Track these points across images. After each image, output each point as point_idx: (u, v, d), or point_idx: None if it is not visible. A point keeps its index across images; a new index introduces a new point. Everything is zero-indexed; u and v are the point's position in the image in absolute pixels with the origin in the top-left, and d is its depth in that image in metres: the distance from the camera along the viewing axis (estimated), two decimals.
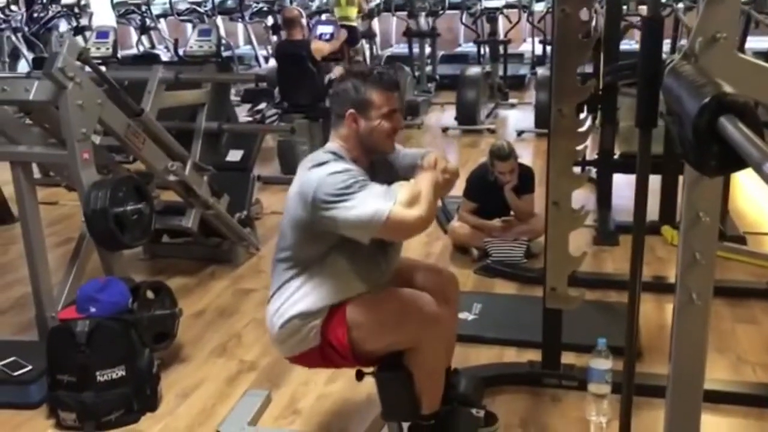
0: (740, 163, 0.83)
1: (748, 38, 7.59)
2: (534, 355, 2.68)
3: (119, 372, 2.46)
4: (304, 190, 1.92)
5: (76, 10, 9.62)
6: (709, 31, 1.37)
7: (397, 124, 2.03)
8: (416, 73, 8.43)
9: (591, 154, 4.56)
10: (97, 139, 2.97)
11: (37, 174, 4.22)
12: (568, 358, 2.65)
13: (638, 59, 1.49)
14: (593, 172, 4.44)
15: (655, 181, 3.83)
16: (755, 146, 0.75)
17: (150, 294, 2.76)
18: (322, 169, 1.91)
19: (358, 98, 1.98)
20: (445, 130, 7.11)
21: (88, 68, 2.83)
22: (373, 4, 9.30)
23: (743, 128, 0.84)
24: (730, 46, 1.38)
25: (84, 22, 9.37)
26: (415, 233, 1.95)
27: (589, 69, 4.54)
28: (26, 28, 9.18)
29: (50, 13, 9.42)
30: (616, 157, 4.25)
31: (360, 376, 2.21)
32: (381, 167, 2.10)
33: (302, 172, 1.98)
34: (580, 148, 2.35)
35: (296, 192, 1.96)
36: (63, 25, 9.60)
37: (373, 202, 1.82)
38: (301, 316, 2.00)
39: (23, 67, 8.49)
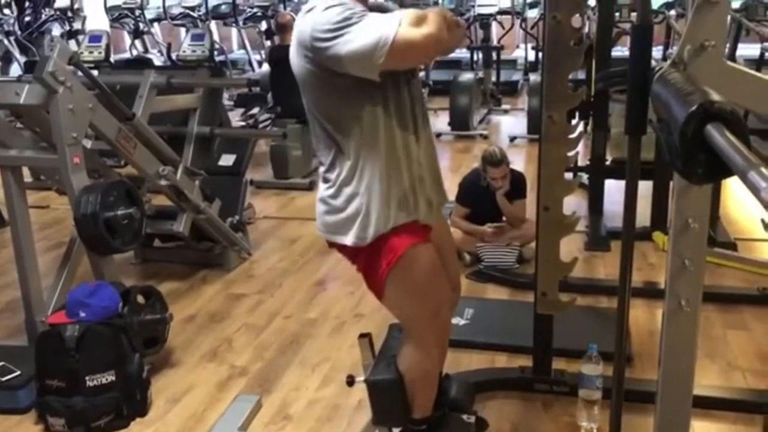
0: (726, 170, 0.83)
1: (739, 45, 7.65)
2: (525, 361, 2.68)
3: (109, 377, 2.45)
4: (301, 37, 1.77)
5: (69, 13, 9.60)
6: (698, 39, 1.39)
7: None
8: None
9: (583, 160, 4.58)
10: (88, 143, 2.97)
11: (27, 178, 4.20)
12: (559, 363, 2.65)
13: (628, 66, 1.49)
14: (585, 178, 4.45)
15: (647, 187, 3.84)
16: (740, 154, 0.76)
17: (140, 298, 2.75)
18: (315, 10, 1.77)
19: None
20: (438, 135, 7.11)
21: (79, 72, 2.83)
22: None
23: (729, 136, 0.85)
24: (719, 54, 1.39)
25: (77, 25, 9.36)
26: (425, 54, 1.84)
27: (581, 75, 4.57)
28: (19, 32, 9.16)
29: (43, 17, 9.40)
30: (607, 163, 4.27)
31: (351, 381, 2.21)
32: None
33: (298, 23, 1.83)
34: (571, 154, 2.36)
35: (296, 44, 1.82)
36: (56, 29, 9.58)
37: (377, 27, 1.67)
38: (366, 198, 1.85)
39: (15, 70, 8.46)
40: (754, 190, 0.65)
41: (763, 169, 0.68)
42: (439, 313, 2.02)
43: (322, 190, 1.94)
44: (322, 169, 1.94)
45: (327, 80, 1.78)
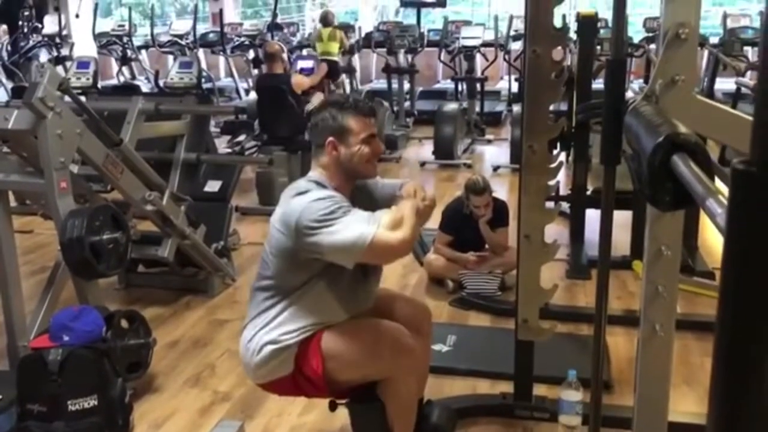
0: (690, 199, 0.88)
1: (717, 79, 7.83)
2: (507, 387, 2.70)
3: (91, 401, 2.44)
4: (287, 218, 1.94)
5: (57, 40, 9.65)
6: (669, 74, 1.45)
7: (376, 149, 2.08)
8: (395, 108, 8.55)
9: (564, 190, 4.66)
10: (75, 168, 2.98)
11: (12, 202, 4.20)
12: (540, 389, 2.68)
13: (603, 99, 1.55)
14: (566, 207, 4.52)
15: (627, 216, 3.91)
16: (701, 183, 0.81)
17: (124, 323, 2.76)
18: (306, 197, 1.95)
19: (336, 126, 2.03)
20: (422, 164, 7.19)
21: (67, 98, 2.86)
22: (353, 40, 9.45)
23: (693, 166, 0.90)
24: (689, 87, 1.46)
25: (65, 52, 9.41)
26: (398, 256, 2.01)
27: (563, 107, 4.66)
28: (6, 57, 9.19)
29: (31, 43, 9.44)
30: (588, 192, 4.34)
31: (333, 406, 2.22)
32: (361, 197, 2.13)
33: (285, 201, 2.01)
34: (551, 183, 2.41)
35: (279, 220, 1.98)
36: (43, 55, 9.62)
37: (357, 226, 1.86)
38: (275, 343, 2.01)
39: (2, 95, 8.47)
40: (711, 216, 0.70)
41: (721, 197, 0.72)
42: (396, 346, 2.04)
43: (253, 332, 2.07)
44: (248, 321, 2.11)
45: (298, 258, 1.97)
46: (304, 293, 2.01)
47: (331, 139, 2.03)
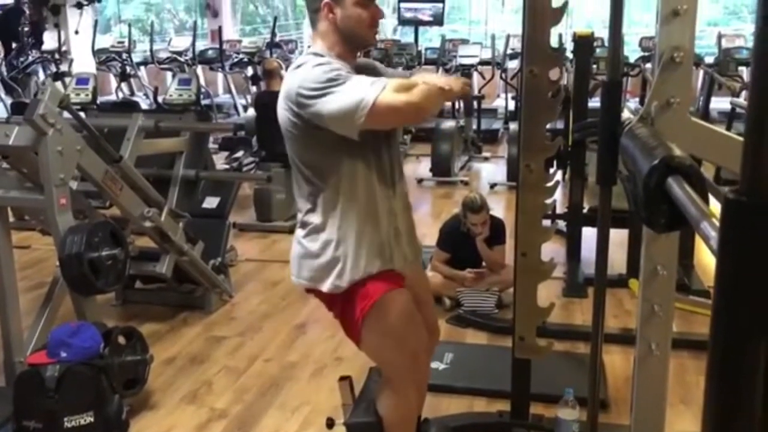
0: (685, 220, 0.90)
1: (713, 99, 7.89)
2: (504, 405, 2.70)
3: (88, 418, 2.44)
4: (288, 91, 1.85)
5: (57, 56, 9.70)
6: (664, 96, 1.47)
7: (375, 13, 1.95)
8: None
9: (561, 208, 4.68)
10: (74, 185, 3.00)
11: (10, 218, 4.20)
12: (537, 408, 2.68)
13: (598, 119, 1.57)
14: (563, 225, 4.54)
15: (623, 235, 3.93)
16: (695, 205, 0.82)
17: (122, 339, 2.76)
18: (304, 67, 1.86)
19: None
20: (420, 181, 7.21)
21: (67, 114, 2.88)
22: None
23: (687, 188, 0.91)
24: (684, 110, 1.48)
25: (64, 68, 9.45)
26: (405, 118, 1.92)
27: (560, 125, 4.70)
28: (5, 73, 9.22)
29: (30, 59, 9.48)
30: (585, 211, 4.36)
31: (331, 424, 2.23)
32: (368, 74, 1.95)
33: (287, 77, 1.92)
34: (548, 201, 2.43)
35: (282, 97, 1.89)
36: (41, 71, 9.66)
37: (360, 90, 1.75)
38: (335, 264, 1.92)
39: (1, 111, 8.50)
40: (705, 239, 0.72)
41: (714, 221, 0.74)
42: (416, 358, 2.05)
43: (300, 234, 2.00)
44: (300, 215, 2.01)
45: (310, 133, 1.86)
46: (338, 183, 1.90)
47: (326, 1, 1.90)
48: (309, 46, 1.95)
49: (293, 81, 1.84)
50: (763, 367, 0.57)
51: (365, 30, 1.94)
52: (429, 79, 1.88)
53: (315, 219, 1.95)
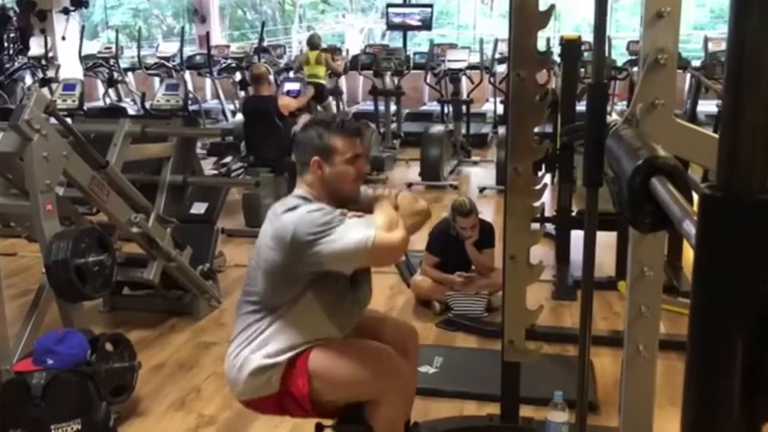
0: (669, 221, 0.90)
1: (700, 102, 7.94)
2: (494, 409, 2.70)
3: (75, 425, 2.42)
4: (280, 234, 1.93)
5: (43, 61, 9.65)
6: (649, 98, 1.48)
7: (360, 169, 2.09)
8: (381, 130, 8.60)
9: (549, 211, 4.69)
10: (60, 191, 2.98)
11: None
12: (527, 411, 2.68)
13: (585, 122, 1.58)
14: (552, 228, 4.55)
15: (612, 237, 3.94)
16: (678, 205, 0.82)
17: (109, 346, 2.74)
18: (297, 211, 1.95)
19: (322, 145, 2.04)
20: (409, 185, 7.21)
21: (54, 120, 2.86)
22: (339, 62, 9.52)
23: (671, 189, 0.92)
24: (668, 111, 1.49)
25: (50, 74, 9.40)
26: (399, 255, 2.08)
27: (548, 129, 4.72)
28: None
29: (16, 65, 9.43)
30: (573, 214, 4.37)
31: (320, 430, 2.21)
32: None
33: (274, 218, 2.00)
34: (536, 204, 2.43)
35: (271, 237, 1.97)
36: (28, 77, 9.61)
37: (356, 231, 1.87)
38: (262, 361, 2.00)
39: None
40: (687, 237, 0.72)
41: (696, 219, 0.74)
42: (384, 369, 2.04)
43: (239, 348, 2.05)
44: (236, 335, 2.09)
45: (291, 273, 1.96)
46: (291, 307, 2.01)
47: (316, 158, 2.04)
48: (295, 190, 2.12)
49: (286, 225, 1.93)
50: (740, 362, 0.57)
51: (350, 185, 2.08)
52: (403, 203, 2.08)
53: (256, 335, 2.03)
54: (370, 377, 2.02)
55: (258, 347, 2.01)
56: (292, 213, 1.95)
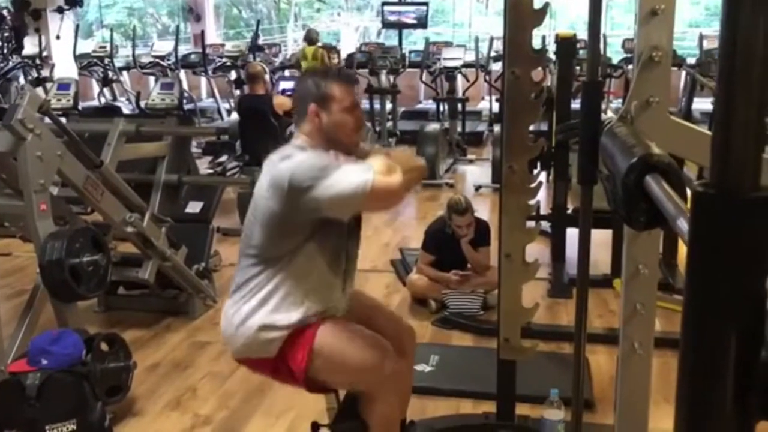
0: (664, 218, 0.90)
1: (695, 100, 7.94)
2: (490, 407, 2.70)
3: (70, 426, 2.41)
4: (277, 181, 1.90)
5: (38, 61, 9.61)
6: (644, 96, 1.48)
7: (360, 119, 2.07)
8: (377, 129, 8.59)
9: (545, 209, 4.69)
10: (54, 190, 2.97)
11: None
12: (523, 409, 2.68)
13: (580, 120, 1.58)
14: (548, 226, 4.55)
15: (607, 235, 3.94)
16: (672, 203, 0.82)
17: (104, 346, 2.73)
18: (293, 159, 1.92)
19: (320, 93, 2.02)
20: None
21: (48, 119, 2.85)
22: (335, 61, 9.51)
23: (665, 186, 0.91)
24: (663, 109, 1.49)
25: (45, 73, 9.36)
26: (397, 200, 2.01)
27: (544, 127, 4.72)
28: None
29: (10, 64, 9.39)
30: (569, 211, 4.38)
31: (315, 429, 2.21)
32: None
33: (271, 167, 1.97)
34: (531, 202, 2.43)
35: (268, 186, 1.94)
36: (21, 76, 9.57)
37: (355, 175, 1.85)
38: (265, 320, 1.97)
39: None
40: (681, 234, 0.72)
41: None
42: (386, 366, 2.02)
43: (239, 305, 2.03)
44: (235, 289, 2.07)
45: (289, 222, 1.93)
46: (291, 260, 1.97)
47: (313, 105, 2.01)
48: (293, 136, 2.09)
49: (283, 172, 1.90)
50: (734, 360, 0.57)
51: (348, 134, 2.04)
52: (398, 157, 2.05)
53: (254, 292, 2.00)
54: (370, 369, 2.00)
55: (259, 304, 1.97)
56: (288, 161, 1.92)
